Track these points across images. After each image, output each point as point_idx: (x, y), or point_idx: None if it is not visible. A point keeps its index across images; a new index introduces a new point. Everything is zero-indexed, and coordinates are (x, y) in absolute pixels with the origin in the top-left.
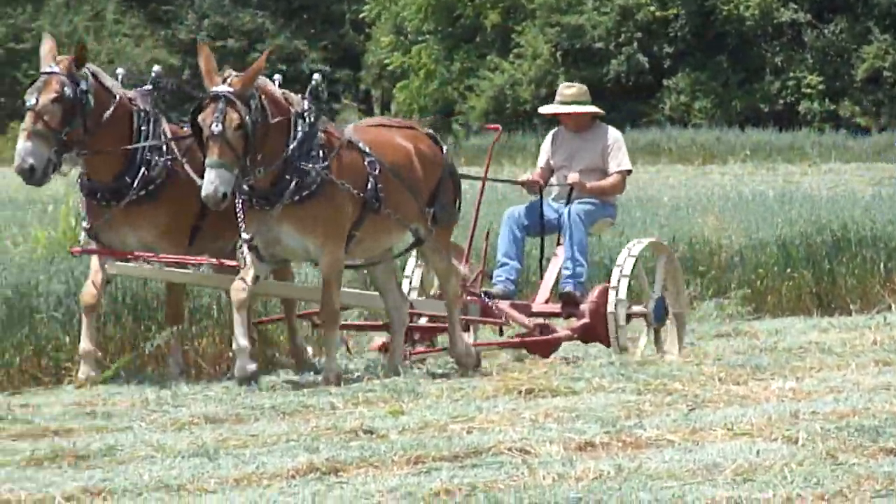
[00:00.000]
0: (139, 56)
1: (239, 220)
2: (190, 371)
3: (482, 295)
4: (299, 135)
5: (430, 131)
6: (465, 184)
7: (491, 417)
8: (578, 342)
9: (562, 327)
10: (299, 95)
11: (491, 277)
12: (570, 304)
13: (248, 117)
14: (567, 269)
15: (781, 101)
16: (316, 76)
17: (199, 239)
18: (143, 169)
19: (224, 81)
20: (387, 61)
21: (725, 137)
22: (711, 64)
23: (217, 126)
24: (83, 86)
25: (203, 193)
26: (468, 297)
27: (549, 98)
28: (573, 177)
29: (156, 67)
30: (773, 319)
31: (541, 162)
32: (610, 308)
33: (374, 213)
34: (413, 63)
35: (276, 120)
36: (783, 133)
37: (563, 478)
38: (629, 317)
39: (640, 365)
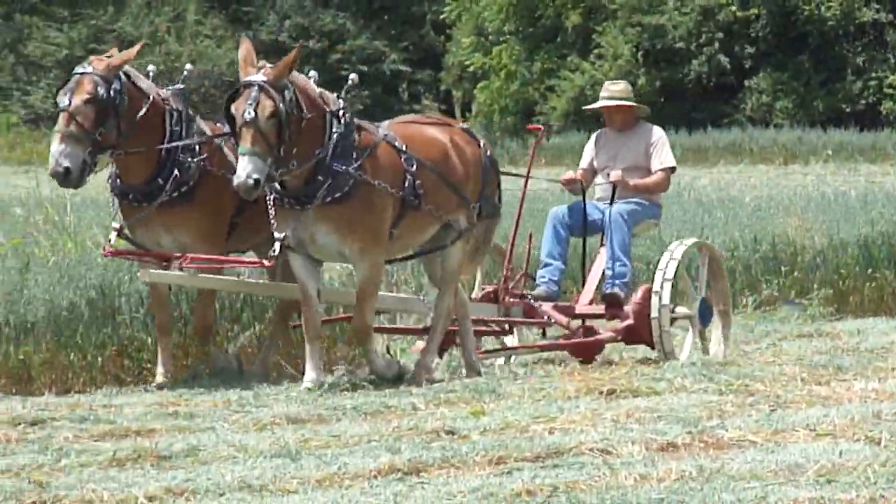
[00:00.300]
0: (220, 57)
1: (271, 218)
2: (271, 372)
3: (524, 296)
4: (334, 135)
5: (466, 126)
6: (506, 185)
7: (572, 418)
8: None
9: (605, 329)
10: (335, 94)
11: (534, 279)
12: (613, 305)
13: (281, 105)
14: (610, 269)
15: (863, 102)
16: (353, 76)
17: (235, 235)
18: (175, 170)
19: (258, 71)
20: (467, 62)
21: (807, 138)
22: (793, 64)
23: (250, 113)
24: (116, 85)
25: (235, 181)
26: (510, 300)
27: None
28: (615, 174)
29: (188, 66)
30: (854, 320)
31: (583, 163)
32: (653, 313)
33: (413, 211)
34: (494, 64)
35: (310, 116)
36: (865, 133)
37: (645, 478)
38: (673, 319)
39: (721, 365)
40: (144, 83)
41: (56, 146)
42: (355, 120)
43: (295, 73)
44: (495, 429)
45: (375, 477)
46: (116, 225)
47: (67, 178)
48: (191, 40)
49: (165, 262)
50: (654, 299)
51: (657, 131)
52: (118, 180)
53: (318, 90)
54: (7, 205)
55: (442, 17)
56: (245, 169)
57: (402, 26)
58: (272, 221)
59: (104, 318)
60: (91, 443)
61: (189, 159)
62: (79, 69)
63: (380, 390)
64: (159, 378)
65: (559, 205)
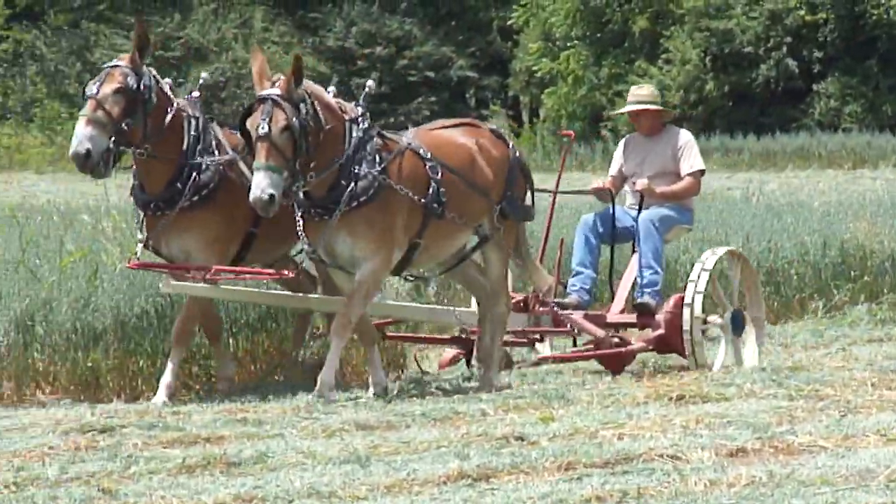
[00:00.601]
0: (287, 64)
1: (299, 231)
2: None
3: (554, 306)
4: (353, 140)
5: (493, 126)
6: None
7: (642, 424)
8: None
9: (636, 338)
10: (352, 103)
11: (566, 287)
12: (645, 314)
13: (294, 119)
14: (642, 277)
15: None
16: (370, 83)
17: (255, 247)
18: (193, 174)
19: (273, 85)
20: (535, 67)
21: (876, 142)
22: (861, 69)
23: (263, 128)
24: (146, 80)
25: (251, 197)
26: (540, 308)
27: (697, 104)
28: (641, 183)
29: (203, 74)
30: None
31: (612, 170)
32: (685, 325)
33: (437, 219)
34: (561, 69)
35: (329, 126)
36: None
37: (715, 484)
38: (706, 324)
39: (791, 371)
40: (168, 89)
41: (80, 128)
42: (377, 128)
43: (311, 84)
44: (564, 434)
45: (444, 483)
46: (142, 237)
47: (87, 161)
48: (258, 47)
49: (189, 274)
50: (686, 312)
51: (684, 135)
52: (140, 190)
53: (335, 100)
54: (75, 212)
55: (509, 22)
56: (260, 185)
57: (469, 32)
58: (300, 233)
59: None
60: (160, 450)
61: (206, 162)
62: (109, 63)
63: (449, 396)
64: (224, 385)
65: (590, 212)
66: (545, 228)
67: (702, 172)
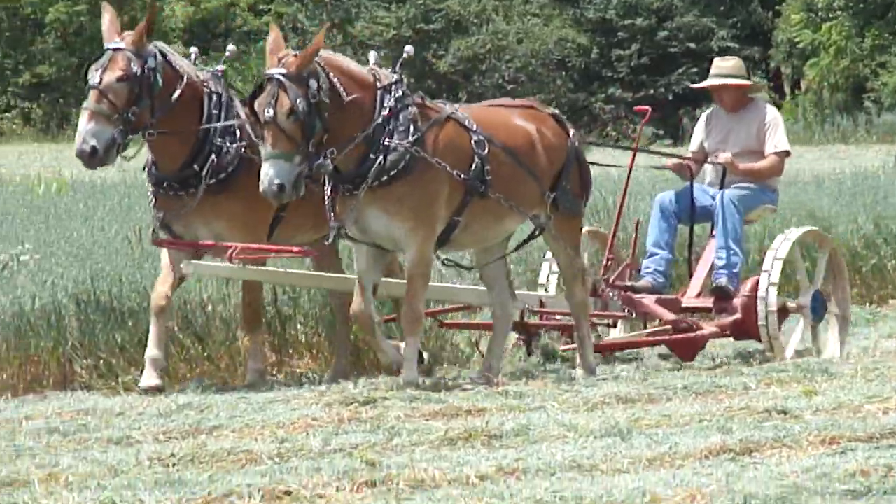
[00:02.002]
0: (548, 35)
1: (327, 205)
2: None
3: (627, 288)
4: (384, 111)
5: (555, 111)
6: (613, 171)
7: None
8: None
9: (708, 323)
10: (389, 69)
11: (640, 271)
12: (722, 298)
13: (300, 101)
14: (720, 259)
15: None
16: (408, 48)
17: (281, 229)
18: (213, 156)
19: (280, 63)
20: (797, 39)
21: None
22: None
23: (269, 112)
24: (151, 63)
25: (260, 187)
26: (610, 293)
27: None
28: (724, 156)
29: (230, 47)
30: None
31: (693, 145)
32: (760, 292)
33: (479, 197)
34: (823, 40)
35: (351, 97)
36: None
37: None
38: (785, 312)
39: None
40: (181, 63)
41: (84, 124)
42: (418, 97)
43: (329, 55)
44: (828, 408)
45: (706, 457)
46: (158, 215)
47: (93, 159)
48: (518, 19)
49: (204, 253)
50: (763, 277)
51: (771, 111)
52: (153, 167)
53: (366, 67)
54: None
55: None
56: (267, 174)
57: (730, 2)
58: (328, 209)
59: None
60: (422, 422)
61: (228, 144)
62: (111, 45)
63: (711, 370)
64: (147, 369)
65: (667, 190)
66: (618, 205)
67: (787, 153)
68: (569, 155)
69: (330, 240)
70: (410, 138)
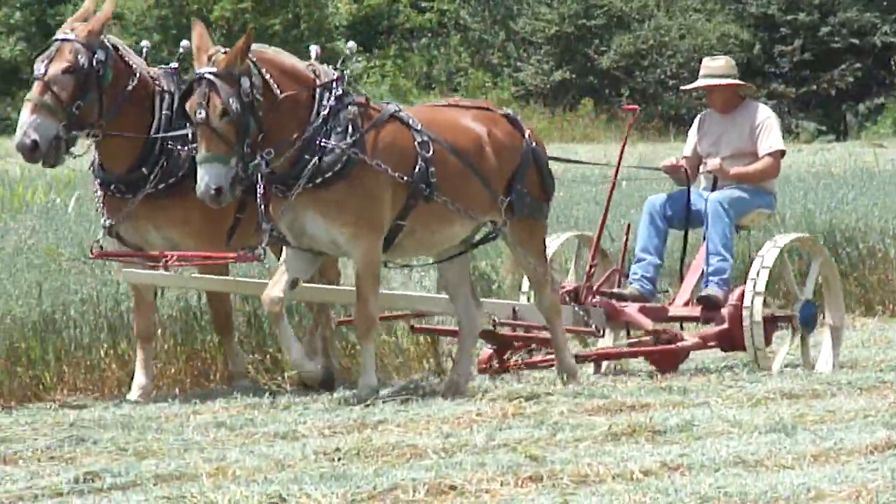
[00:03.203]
0: (710, 31)
1: (259, 207)
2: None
3: (610, 296)
4: (323, 110)
5: (509, 112)
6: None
7: None
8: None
9: (691, 334)
10: (330, 66)
11: (629, 277)
12: (709, 307)
13: (233, 101)
14: (708, 266)
15: None
16: (350, 44)
17: (238, 235)
18: (163, 159)
19: (210, 61)
20: None
21: None
22: None
23: (201, 113)
24: (100, 55)
25: (197, 192)
26: (593, 300)
27: None
28: (713, 163)
29: (184, 43)
30: None
31: (687, 149)
32: (746, 301)
33: (424, 201)
34: None
35: (286, 94)
36: None
37: None
38: (775, 321)
39: None
40: (135, 59)
41: (25, 116)
42: (360, 96)
43: (263, 49)
44: None
45: (872, 453)
46: (104, 221)
47: (35, 153)
48: (680, 14)
49: (154, 264)
50: (749, 285)
51: (763, 111)
52: (100, 168)
53: (305, 63)
54: None
55: None
56: (203, 179)
57: None
58: (260, 210)
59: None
60: (586, 417)
61: (179, 147)
62: (59, 35)
63: (877, 366)
64: (136, 392)
65: (659, 193)
66: (604, 210)
67: (782, 153)
68: (524, 157)
69: (263, 244)
70: (349, 139)
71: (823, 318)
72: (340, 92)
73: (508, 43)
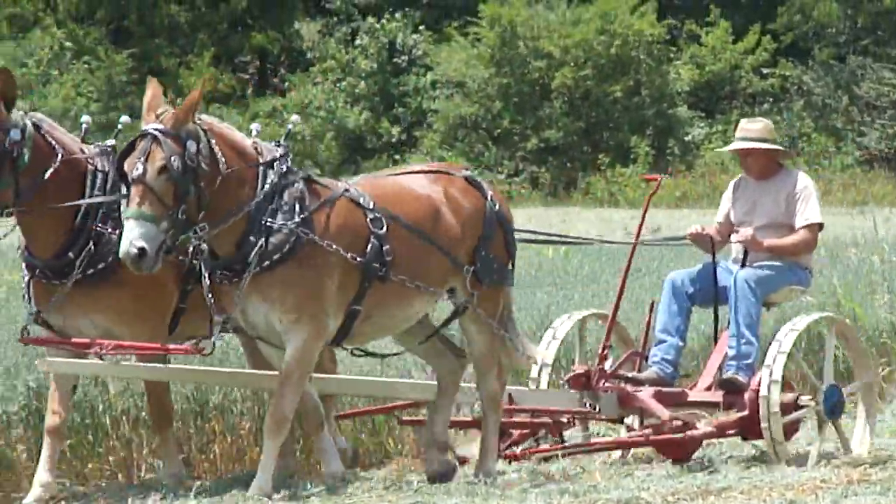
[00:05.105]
0: None
1: (207, 297)
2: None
3: (625, 380)
4: (267, 187)
5: (467, 174)
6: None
7: None
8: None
9: (707, 422)
10: (273, 143)
11: (647, 360)
12: (732, 391)
13: (175, 159)
14: (731, 348)
15: None
16: (295, 117)
17: (185, 322)
18: (90, 244)
19: (157, 119)
20: None
21: None
22: None
23: (138, 168)
24: (14, 135)
25: (119, 252)
26: (606, 384)
27: None
28: (744, 233)
29: (123, 118)
30: None
31: (719, 215)
32: (762, 391)
33: (380, 282)
34: None
35: (230, 170)
36: None
37: None
38: (798, 408)
39: None
40: (61, 137)
41: None
42: (305, 173)
43: (212, 121)
44: None
45: None
46: (30, 308)
47: None
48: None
49: (86, 350)
50: (765, 373)
51: (803, 180)
52: (26, 251)
53: (249, 140)
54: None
55: None
56: (129, 235)
57: None
58: (208, 300)
59: None
60: None
61: (108, 230)
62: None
63: None
64: (35, 495)
65: (681, 268)
66: (619, 286)
67: (819, 227)
68: (487, 220)
69: (215, 336)
70: (297, 218)
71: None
72: (285, 169)
73: (852, 108)
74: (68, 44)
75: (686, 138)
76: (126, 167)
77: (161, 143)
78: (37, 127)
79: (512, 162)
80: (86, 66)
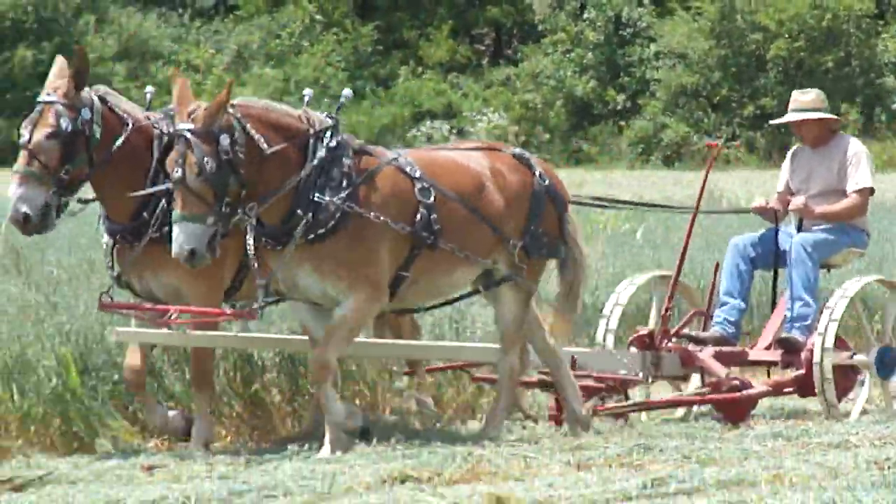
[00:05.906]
0: None
1: (251, 260)
2: None
3: (688, 339)
4: (314, 160)
5: (518, 151)
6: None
7: None
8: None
9: (762, 381)
10: (325, 114)
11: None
12: (790, 351)
13: (209, 160)
14: (790, 310)
15: None
16: (346, 92)
17: (249, 280)
18: (162, 201)
19: (189, 116)
20: None
21: None
22: None
23: (177, 172)
24: (85, 114)
25: (173, 253)
26: (669, 344)
27: None
28: (796, 202)
29: (148, 88)
30: None
31: (779, 185)
32: (815, 358)
33: (428, 249)
34: None
35: (274, 149)
36: None
37: None
38: (852, 368)
39: None
40: (126, 106)
41: (14, 189)
42: (356, 142)
43: (246, 104)
44: None
45: None
46: (112, 272)
47: (28, 226)
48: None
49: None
50: (817, 341)
51: (854, 146)
52: (106, 219)
53: (298, 111)
54: None
55: None
56: (178, 239)
57: None
58: (252, 262)
59: None
60: None
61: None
62: (43, 97)
63: None
64: (198, 444)
65: (745, 234)
66: (681, 251)
67: (871, 191)
68: (536, 195)
69: (259, 300)
70: (343, 193)
71: None
72: (334, 143)
73: None
74: (318, 17)
75: (894, 106)
76: (167, 166)
77: (193, 145)
78: (103, 100)
79: (729, 128)
80: (334, 37)
